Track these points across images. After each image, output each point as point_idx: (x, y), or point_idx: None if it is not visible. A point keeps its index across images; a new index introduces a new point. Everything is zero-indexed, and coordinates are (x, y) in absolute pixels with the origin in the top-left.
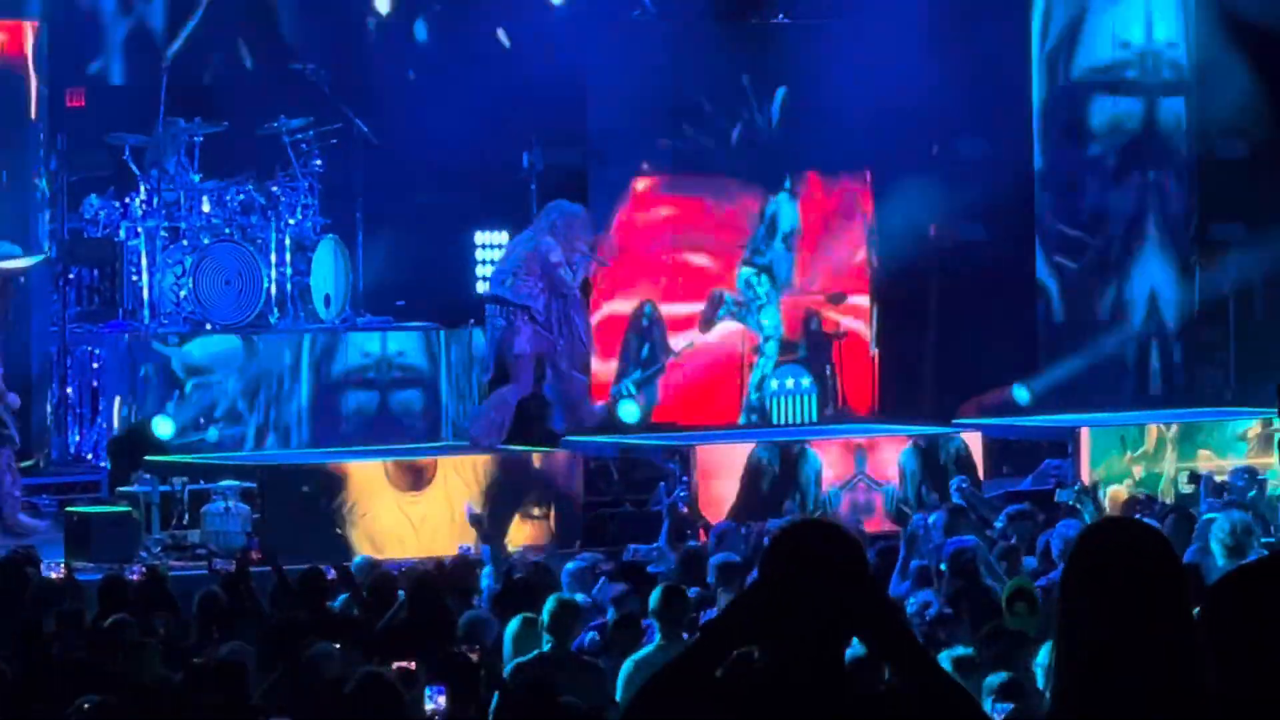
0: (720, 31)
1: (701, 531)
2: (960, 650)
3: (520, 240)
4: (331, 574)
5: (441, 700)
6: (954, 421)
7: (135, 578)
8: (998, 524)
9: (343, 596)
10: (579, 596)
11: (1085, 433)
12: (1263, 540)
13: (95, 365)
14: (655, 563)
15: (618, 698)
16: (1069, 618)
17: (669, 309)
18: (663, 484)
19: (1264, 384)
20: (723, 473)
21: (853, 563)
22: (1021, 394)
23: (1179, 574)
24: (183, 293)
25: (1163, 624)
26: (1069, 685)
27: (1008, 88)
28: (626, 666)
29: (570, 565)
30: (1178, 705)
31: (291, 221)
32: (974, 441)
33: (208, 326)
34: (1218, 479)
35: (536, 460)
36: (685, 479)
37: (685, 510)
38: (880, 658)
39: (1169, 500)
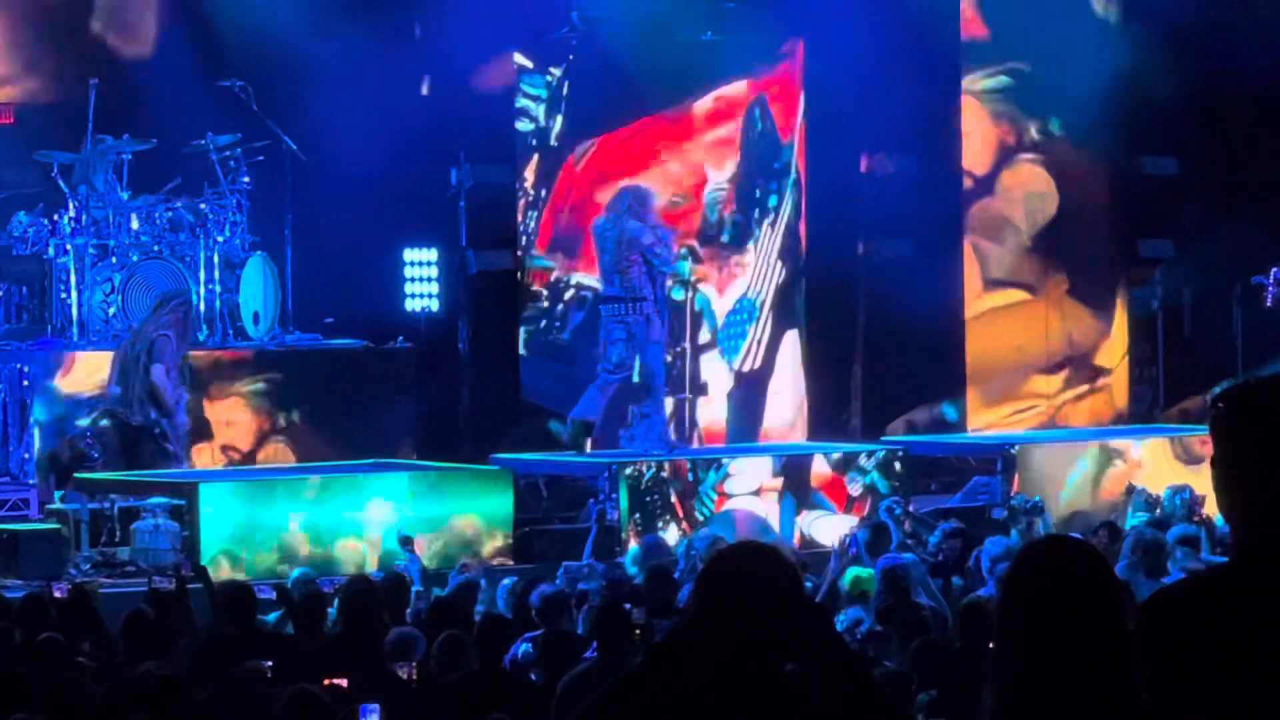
0: (649, 47)
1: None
2: (890, 667)
3: (602, 233)
4: (270, 592)
5: (375, 718)
6: (882, 439)
7: (61, 595)
8: (931, 541)
9: (275, 614)
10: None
11: (1016, 450)
12: (1203, 556)
13: (25, 383)
14: (585, 579)
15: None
16: (1006, 634)
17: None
18: (592, 500)
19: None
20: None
21: (788, 584)
22: (950, 411)
23: (1114, 592)
24: (111, 310)
25: (1098, 641)
26: (1006, 701)
27: (936, 101)
28: (564, 684)
29: (506, 582)
30: None
31: (220, 239)
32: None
33: None
34: (1152, 493)
35: (465, 476)
36: (615, 496)
37: (615, 517)
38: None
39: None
